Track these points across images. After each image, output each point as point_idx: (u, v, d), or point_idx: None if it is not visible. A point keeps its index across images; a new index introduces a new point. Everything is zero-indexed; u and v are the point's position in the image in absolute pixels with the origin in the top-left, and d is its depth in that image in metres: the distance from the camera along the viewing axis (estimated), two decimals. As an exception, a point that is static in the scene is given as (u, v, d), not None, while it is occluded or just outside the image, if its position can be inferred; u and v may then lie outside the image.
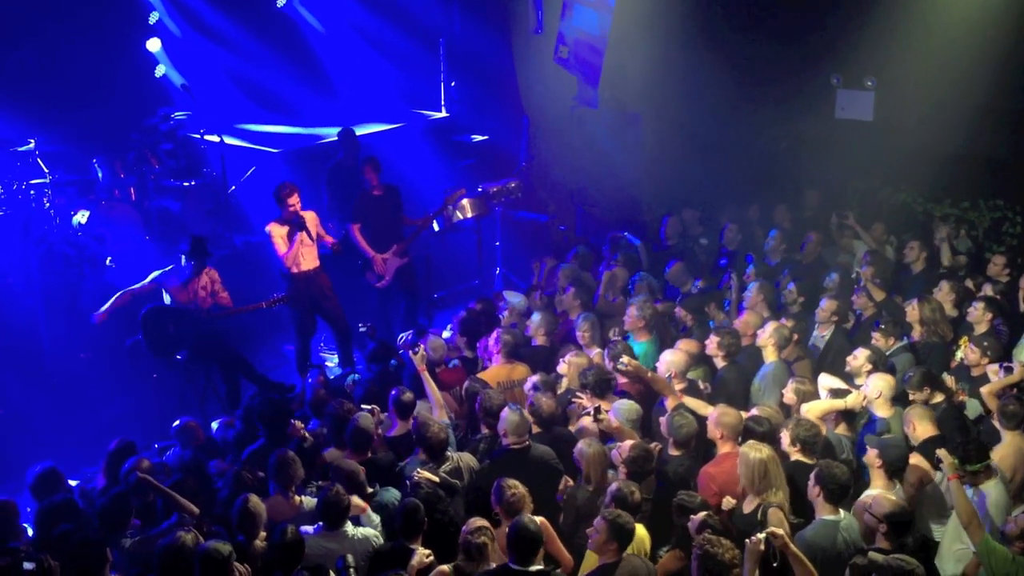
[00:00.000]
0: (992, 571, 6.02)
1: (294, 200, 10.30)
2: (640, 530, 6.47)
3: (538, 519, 6.57)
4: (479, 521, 6.16)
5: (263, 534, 6.39)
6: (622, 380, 8.21)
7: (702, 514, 6.20)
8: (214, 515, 6.83)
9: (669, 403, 7.69)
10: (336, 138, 12.82)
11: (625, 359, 7.96)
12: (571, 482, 7.18)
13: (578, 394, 8.04)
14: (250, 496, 6.48)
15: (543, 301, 10.22)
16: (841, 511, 6.32)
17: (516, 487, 6.49)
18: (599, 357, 8.59)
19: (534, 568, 5.92)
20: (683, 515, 6.35)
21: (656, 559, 6.50)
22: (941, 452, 6.44)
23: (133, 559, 6.45)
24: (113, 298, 10.14)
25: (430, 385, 8.13)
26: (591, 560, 6.28)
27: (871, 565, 5.67)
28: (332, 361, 11.50)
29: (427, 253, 12.66)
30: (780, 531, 5.69)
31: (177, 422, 8.24)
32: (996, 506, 6.55)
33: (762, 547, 5.63)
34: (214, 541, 5.92)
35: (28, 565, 5.78)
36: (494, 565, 6.02)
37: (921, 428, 7.14)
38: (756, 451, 6.51)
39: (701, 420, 7.45)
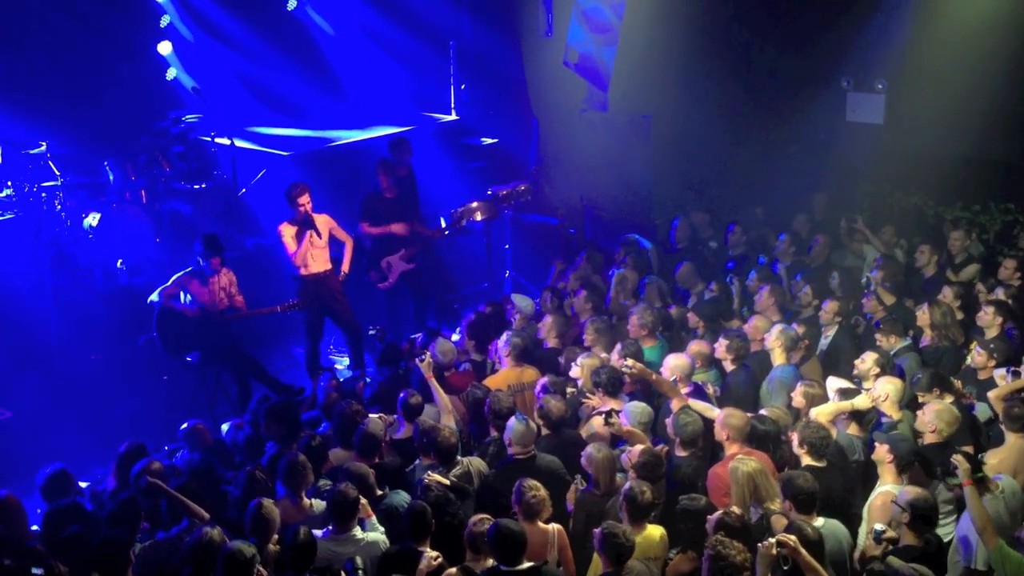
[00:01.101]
0: None
1: (304, 200, 10.34)
2: (656, 530, 6.48)
3: (555, 526, 6.60)
4: (481, 515, 6.21)
5: (276, 537, 6.40)
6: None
7: (719, 512, 6.18)
8: (225, 518, 6.82)
9: (674, 405, 7.69)
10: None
11: (630, 362, 7.98)
12: (582, 484, 7.17)
13: (588, 394, 8.04)
14: (263, 500, 6.49)
15: (554, 304, 10.21)
16: (819, 519, 6.33)
17: (537, 489, 6.50)
18: (605, 360, 8.56)
19: (523, 567, 5.95)
20: (687, 519, 6.35)
21: (667, 561, 6.49)
22: (958, 458, 6.40)
23: (143, 564, 6.45)
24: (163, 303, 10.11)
25: (438, 391, 8.14)
26: (598, 563, 6.28)
27: (888, 571, 5.66)
28: (342, 363, 11.52)
29: (437, 256, 12.66)
30: (792, 538, 5.70)
31: (185, 424, 8.26)
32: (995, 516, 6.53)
33: (774, 551, 5.63)
34: (239, 542, 5.93)
35: (37, 571, 5.77)
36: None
37: (945, 433, 7.12)
38: (744, 465, 6.54)
39: (707, 422, 7.46)
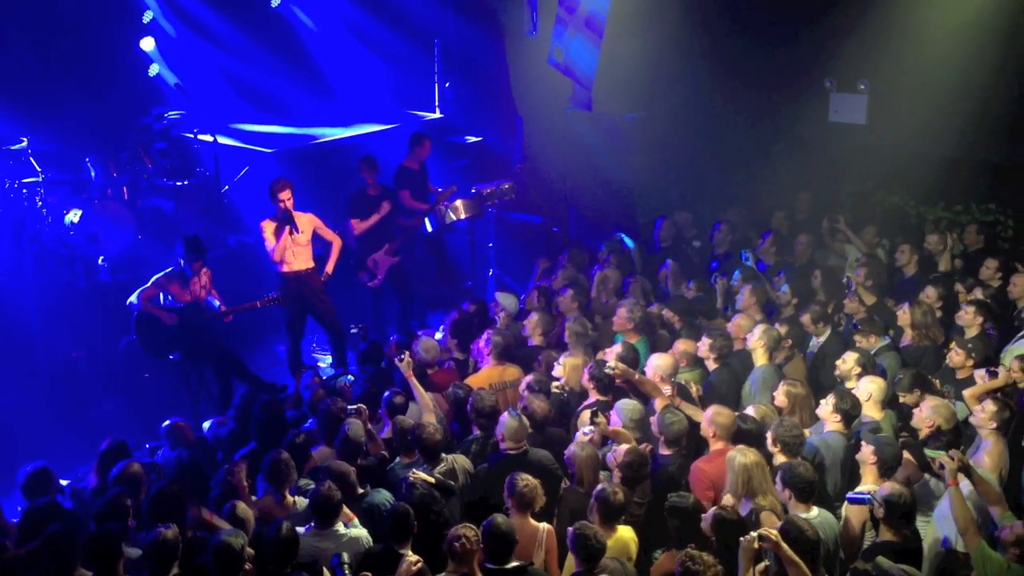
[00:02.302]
0: None
1: (285, 196, 10.35)
2: (627, 532, 6.47)
3: (546, 526, 6.59)
4: (462, 527, 6.11)
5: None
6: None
7: (714, 509, 6.18)
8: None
9: (658, 404, 7.70)
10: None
11: (612, 362, 7.99)
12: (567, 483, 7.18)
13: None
14: (237, 502, 6.48)
15: (542, 302, 10.22)
16: (815, 509, 6.38)
17: (528, 480, 6.50)
18: (585, 361, 8.53)
19: (510, 566, 5.94)
20: (676, 516, 6.33)
21: (652, 561, 6.50)
22: (944, 458, 6.45)
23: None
24: (139, 306, 10.09)
25: (418, 390, 8.15)
26: (572, 562, 6.25)
27: (876, 571, 5.68)
28: (325, 361, 11.50)
29: (420, 255, 12.66)
30: (773, 533, 5.71)
31: (167, 422, 8.24)
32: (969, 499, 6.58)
33: (756, 545, 5.64)
34: (226, 532, 5.95)
35: None
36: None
37: (943, 426, 7.19)
38: (742, 456, 6.58)
39: (692, 422, 7.48)
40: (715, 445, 7.16)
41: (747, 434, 7.27)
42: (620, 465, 6.81)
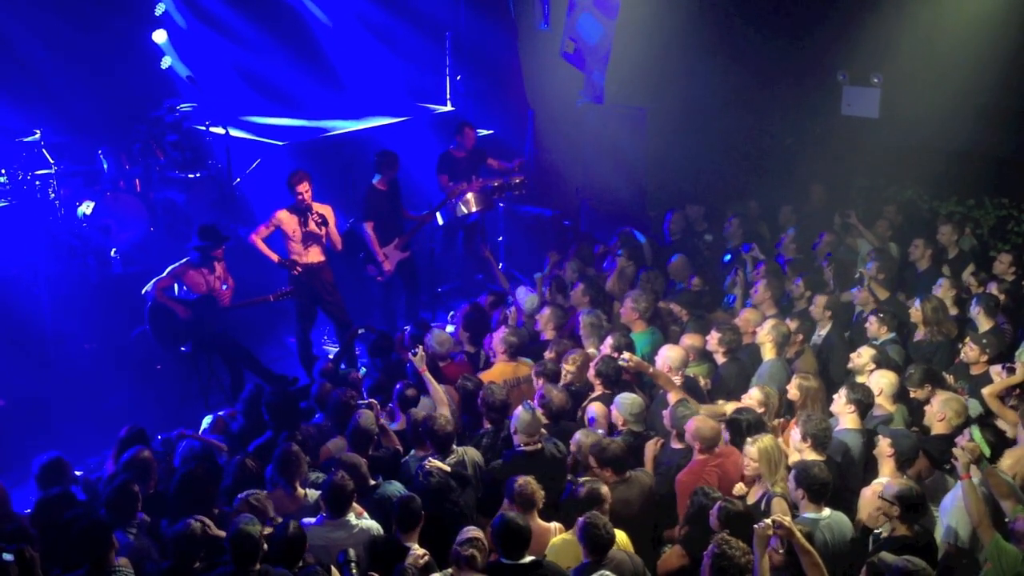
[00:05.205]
0: (1003, 571, 6.01)
1: (303, 188, 10.37)
2: (619, 536, 6.34)
3: (556, 526, 6.54)
4: (472, 531, 6.02)
5: (268, 530, 6.39)
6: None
7: (719, 502, 6.15)
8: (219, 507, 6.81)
9: (671, 397, 7.67)
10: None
11: (627, 355, 7.97)
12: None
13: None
14: (257, 492, 6.48)
15: (552, 295, 10.19)
16: (826, 509, 6.35)
17: (523, 479, 6.46)
18: (594, 355, 8.51)
19: (525, 561, 5.91)
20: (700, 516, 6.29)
21: (659, 554, 6.50)
22: (957, 451, 6.43)
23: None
24: (156, 295, 10.13)
25: (432, 384, 8.13)
26: (572, 547, 6.22)
27: (881, 565, 5.68)
28: (334, 354, 11.49)
29: (430, 247, 12.67)
30: (787, 520, 5.70)
31: (208, 418, 8.39)
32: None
33: (770, 532, 5.63)
34: (245, 520, 5.93)
35: (7, 556, 5.75)
36: None
37: (954, 422, 7.17)
38: (760, 443, 6.59)
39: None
40: (697, 456, 7.03)
41: (747, 426, 7.21)
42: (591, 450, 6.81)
